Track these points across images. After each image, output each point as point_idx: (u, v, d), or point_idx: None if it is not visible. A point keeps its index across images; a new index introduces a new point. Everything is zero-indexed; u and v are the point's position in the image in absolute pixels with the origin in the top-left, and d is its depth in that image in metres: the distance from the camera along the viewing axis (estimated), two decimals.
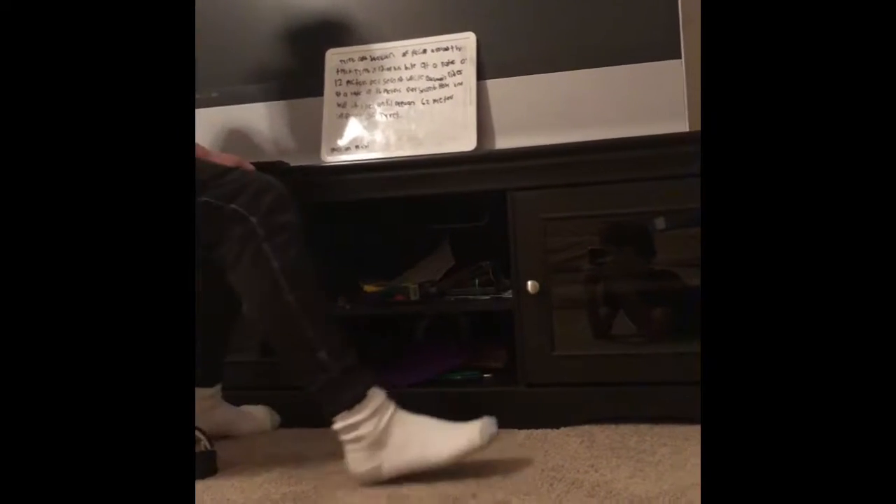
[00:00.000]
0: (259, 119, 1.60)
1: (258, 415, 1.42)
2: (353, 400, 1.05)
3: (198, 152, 1.20)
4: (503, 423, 1.31)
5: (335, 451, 1.21)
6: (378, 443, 1.04)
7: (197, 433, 1.17)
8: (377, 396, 1.06)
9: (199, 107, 1.63)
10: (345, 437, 1.06)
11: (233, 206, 1.07)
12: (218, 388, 1.37)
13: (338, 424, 1.06)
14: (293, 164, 1.45)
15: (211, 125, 1.61)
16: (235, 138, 1.60)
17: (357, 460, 1.06)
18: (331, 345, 1.07)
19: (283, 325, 1.07)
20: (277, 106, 1.59)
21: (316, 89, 1.56)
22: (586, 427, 1.27)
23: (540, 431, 1.28)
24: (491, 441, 1.05)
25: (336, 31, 1.58)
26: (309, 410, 1.22)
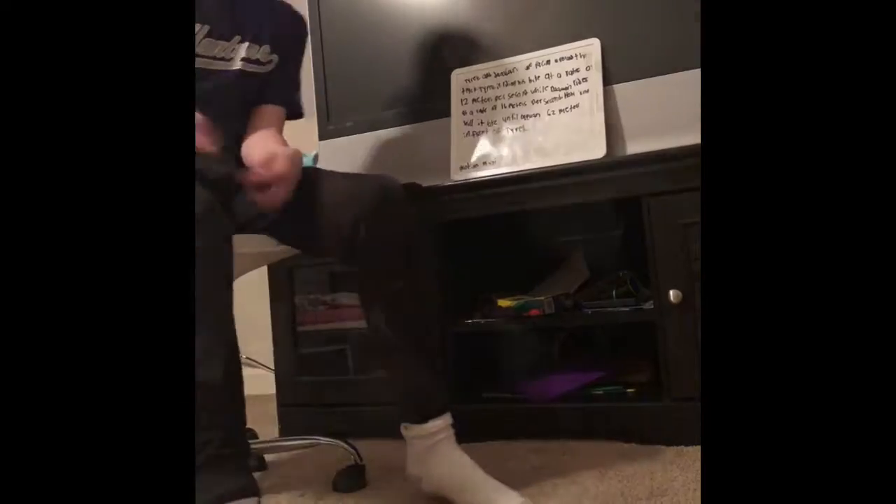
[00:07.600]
0: (391, 143, 1.67)
1: None
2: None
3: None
4: (651, 440, 1.26)
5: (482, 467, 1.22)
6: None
7: (346, 446, 1.22)
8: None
9: (337, 136, 1.72)
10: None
11: None
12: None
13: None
14: (424, 184, 1.49)
15: (347, 153, 1.69)
16: (370, 164, 1.67)
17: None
18: None
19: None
20: (407, 130, 1.65)
21: (443, 110, 1.60)
22: None
23: (691, 448, 1.21)
24: None
25: (460, 51, 1.61)
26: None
